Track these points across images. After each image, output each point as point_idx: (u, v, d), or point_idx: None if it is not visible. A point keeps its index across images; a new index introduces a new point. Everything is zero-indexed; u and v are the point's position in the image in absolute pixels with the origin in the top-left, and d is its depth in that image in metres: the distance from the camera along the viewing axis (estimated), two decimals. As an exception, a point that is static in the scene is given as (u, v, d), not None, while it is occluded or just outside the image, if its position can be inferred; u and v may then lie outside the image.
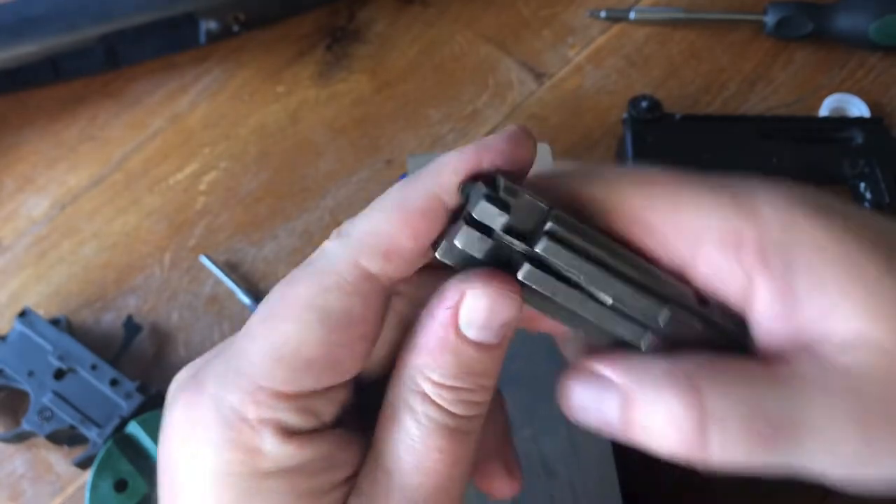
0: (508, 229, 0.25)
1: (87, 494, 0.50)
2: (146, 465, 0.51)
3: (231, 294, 0.59)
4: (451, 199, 0.26)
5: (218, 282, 0.60)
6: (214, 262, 0.60)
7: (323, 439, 0.26)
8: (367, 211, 0.27)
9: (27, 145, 0.65)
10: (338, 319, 0.26)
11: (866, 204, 0.60)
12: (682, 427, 0.25)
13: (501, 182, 0.25)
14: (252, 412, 0.25)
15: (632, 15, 0.69)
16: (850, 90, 0.66)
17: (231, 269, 0.60)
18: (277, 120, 0.66)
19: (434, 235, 0.26)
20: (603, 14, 0.69)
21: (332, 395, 0.27)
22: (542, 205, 0.26)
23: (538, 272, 0.26)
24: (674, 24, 0.69)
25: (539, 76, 0.68)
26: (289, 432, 0.25)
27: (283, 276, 0.28)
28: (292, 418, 0.25)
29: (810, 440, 0.25)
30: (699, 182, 0.28)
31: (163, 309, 0.59)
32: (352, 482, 0.27)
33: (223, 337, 0.58)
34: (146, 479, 0.50)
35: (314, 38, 0.69)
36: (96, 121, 0.66)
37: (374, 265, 0.26)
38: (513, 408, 0.46)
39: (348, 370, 0.26)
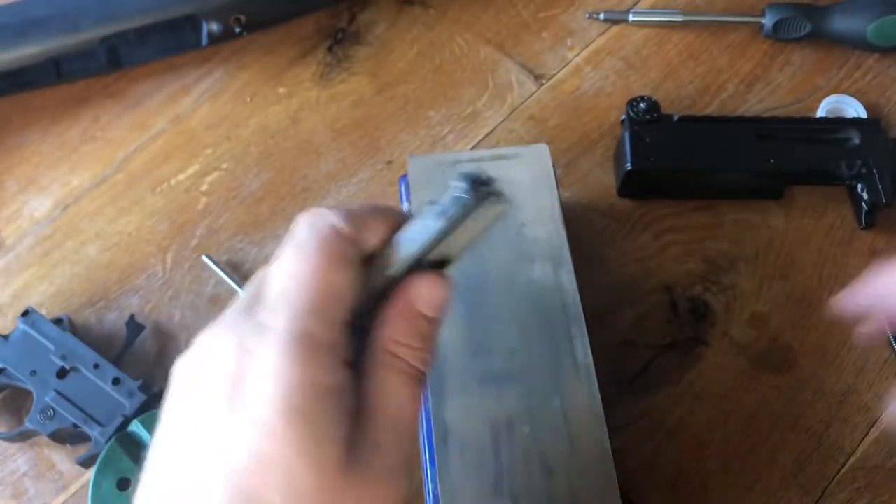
0: None
1: (89, 493, 0.51)
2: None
3: (233, 293, 0.59)
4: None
5: (220, 281, 0.60)
6: (216, 262, 0.60)
7: (347, 372, 0.32)
8: None
9: (30, 146, 0.66)
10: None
11: (863, 204, 0.60)
12: None
13: None
14: (326, 335, 0.31)
15: (630, 17, 0.70)
16: (847, 91, 0.66)
17: (233, 268, 0.60)
18: (279, 121, 0.66)
19: None
20: (601, 16, 0.70)
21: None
22: None
23: None
24: (672, 25, 0.70)
25: (538, 77, 0.68)
26: (341, 358, 0.32)
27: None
28: (345, 346, 0.32)
29: None
30: None
31: (165, 308, 0.59)
32: (353, 421, 0.32)
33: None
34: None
35: (315, 40, 0.70)
36: (98, 122, 0.67)
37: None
38: (512, 407, 0.46)
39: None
